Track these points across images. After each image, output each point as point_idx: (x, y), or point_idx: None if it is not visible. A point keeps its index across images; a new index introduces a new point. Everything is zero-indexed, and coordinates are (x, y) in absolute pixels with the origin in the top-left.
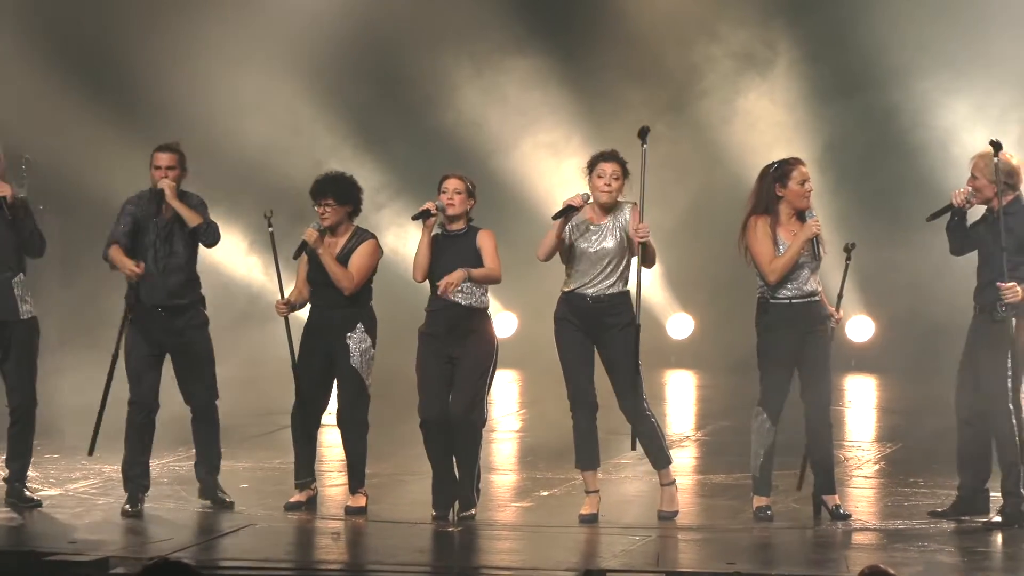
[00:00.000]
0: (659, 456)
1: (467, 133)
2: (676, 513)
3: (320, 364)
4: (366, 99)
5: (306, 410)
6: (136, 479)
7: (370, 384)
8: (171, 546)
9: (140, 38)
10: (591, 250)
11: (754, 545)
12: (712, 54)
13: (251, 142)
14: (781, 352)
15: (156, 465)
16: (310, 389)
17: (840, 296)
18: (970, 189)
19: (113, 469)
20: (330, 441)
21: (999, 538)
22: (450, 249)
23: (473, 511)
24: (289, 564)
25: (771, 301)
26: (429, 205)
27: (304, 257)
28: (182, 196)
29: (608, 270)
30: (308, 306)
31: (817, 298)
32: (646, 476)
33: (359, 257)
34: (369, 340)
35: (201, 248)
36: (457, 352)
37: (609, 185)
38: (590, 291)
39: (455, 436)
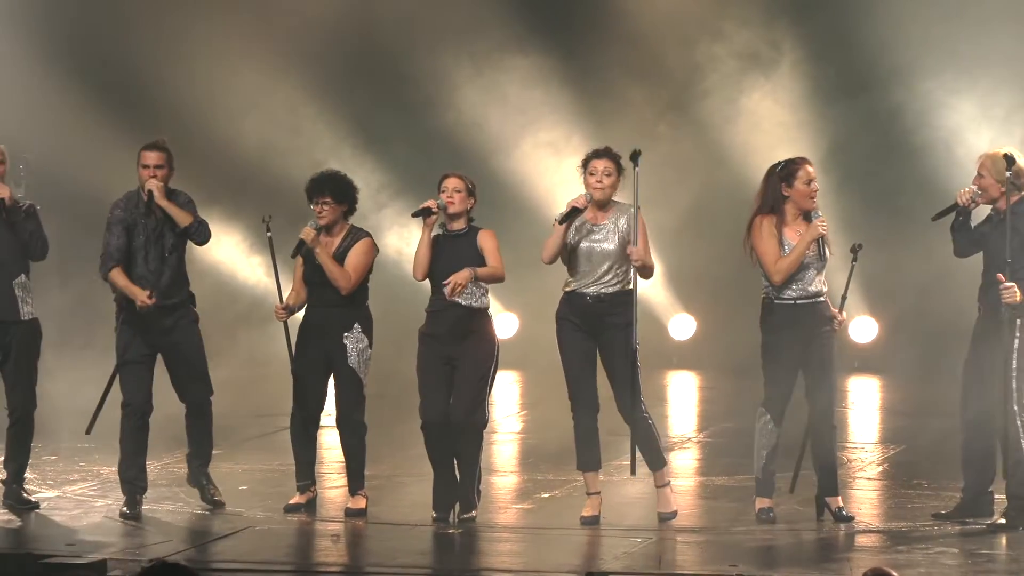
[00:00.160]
0: (655, 458)
1: (467, 133)
2: (674, 514)
3: (317, 364)
4: (366, 99)
5: (305, 413)
6: (133, 481)
7: (367, 384)
8: (169, 548)
9: (140, 38)
10: (592, 250)
11: (757, 547)
12: (715, 53)
13: (251, 142)
14: (785, 353)
15: (154, 467)
16: (308, 390)
17: (844, 297)
18: (975, 188)
19: (111, 471)
20: (329, 443)
21: (1003, 540)
22: (451, 249)
23: (474, 513)
24: (288, 566)
25: (775, 302)
26: (430, 203)
27: (300, 259)
28: (170, 194)
29: (609, 270)
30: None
31: (822, 299)
32: (647, 478)
33: (355, 256)
34: (366, 340)
35: (201, 249)
36: (457, 353)
37: (601, 182)
38: (591, 290)
39: (456, 438)
